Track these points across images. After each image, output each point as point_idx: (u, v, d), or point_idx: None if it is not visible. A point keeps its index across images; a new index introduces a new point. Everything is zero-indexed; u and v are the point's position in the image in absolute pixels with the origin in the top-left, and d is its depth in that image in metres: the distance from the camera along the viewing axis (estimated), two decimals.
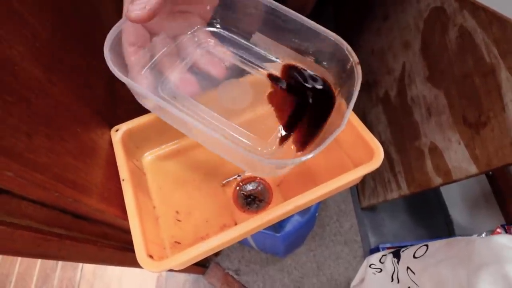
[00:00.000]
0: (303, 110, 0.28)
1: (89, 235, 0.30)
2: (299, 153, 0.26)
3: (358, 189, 0.95)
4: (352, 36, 0.99)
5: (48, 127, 0.24)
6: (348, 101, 0.24)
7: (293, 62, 0.30)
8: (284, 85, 0.29)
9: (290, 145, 0.27)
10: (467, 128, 0.53)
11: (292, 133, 0.27)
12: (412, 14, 0.68)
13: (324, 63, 0.28)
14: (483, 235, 0.62)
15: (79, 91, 0.30)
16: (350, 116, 0.36)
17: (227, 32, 0.31)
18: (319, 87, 0.28)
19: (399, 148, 0.74)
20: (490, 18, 0.48)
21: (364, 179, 0.90)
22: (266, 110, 0.29)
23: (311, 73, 0.29)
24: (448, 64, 0.57)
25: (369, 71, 0.88)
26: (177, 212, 0.38)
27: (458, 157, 0.55)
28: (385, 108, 0.81)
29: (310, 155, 0.21)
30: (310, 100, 0.28)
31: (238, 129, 0.28)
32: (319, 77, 0.29)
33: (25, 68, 0.23)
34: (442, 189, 0.92)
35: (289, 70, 0.29)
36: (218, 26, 0.31)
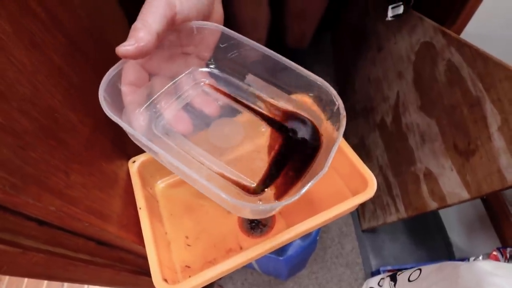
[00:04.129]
0: (291, 152, 0.29)
1: (108, 260, 0.33)
2: (284, 195, 0.26)
3: (359, 211, 0.97)
4: (349, 63, 1.04)
5: (80, 164, 0.27)
6: (331, 146, 0.25)
7: (284, 105, 0.31)
8: (275, 126, 0.30)
9: (276, 186, 0.27)
10: (458, 155, 0.56)
11: (279, 174, 0.28)
12: (405, 47, 0.73)
13: (314, 107, 0.29)
14: (480, 257, 0.64)
15: (103, 128, 0.33)
16: (346, 148, 0.39)
17: (223, 73, 0.32)
18: (307, 130, 0.29)
19: (396, 172, 0.77)
20: (474, 55, 0.53)
21: (364, 202, 0.92)
22: (256, 150, 0.29)
23: (301, 115, 0.30)
24: (438, 95, 0.61)
25: (366, 97, 0.92)
26: (186, 237, 0.41)
27: (451, 183, 0.57)
28: (382, 133, 0.84)
29: (293, 199, 0.22)
30: (298, 142, 0.29)
31: (226, 169, 0.28)
32: (308, 120, 0.30)
33: (63, 114, 0.26)
34: (441, 212, 0.94)
35: (280, 110, 0.31)
36: (214, 66, 0.32)
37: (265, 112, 0.31)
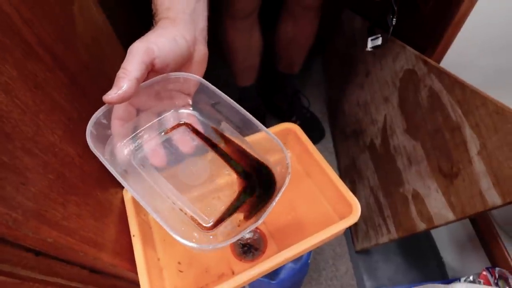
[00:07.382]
0: (248, 196, 0.32)
1: (101, 287, 0.33)
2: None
3: (352, 232, 0.98)
4: (339, 87, 1.08)
5: (77, 195, 0.29)
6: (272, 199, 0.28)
7: (250, 151, 0.33)
8: (239, 170, 0.33)
9: (231, 223, 0.30)
10: (443, 178, 0.58)
11: (234, 213, 0.31)
12: (390, 73, 0.77)
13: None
14: (471, 277, 0.65)
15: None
16: (332, 174, 0.41)
17: (203, 116, 0.35)
18: (267, 175, 0.32)
19: (386, 193, 0.79)
20: (453, 82, 0.56)
21: (357, 223, 0.93)
22: (217, 190, 0.32)
23: (263, 163, 0.33)
24: (422, 119, 0.64)
25: (356, 120, 0.95)
26: (179, 263, 0.41)
27: (438, 204, 0.59)
28: (372, 155, 0.87)
29: (223, 244, 0.26)
30: (255, 189, 0.32)
31: (187, 205, 0.31)
32: (268, 167, 0.32)
33: (62, 149, 0.28)
34: (433, 232, 0.95)
35: (245, 157, 0.33)
36: (196, 109, 0.35)
37: (232, 156, 0.34)
